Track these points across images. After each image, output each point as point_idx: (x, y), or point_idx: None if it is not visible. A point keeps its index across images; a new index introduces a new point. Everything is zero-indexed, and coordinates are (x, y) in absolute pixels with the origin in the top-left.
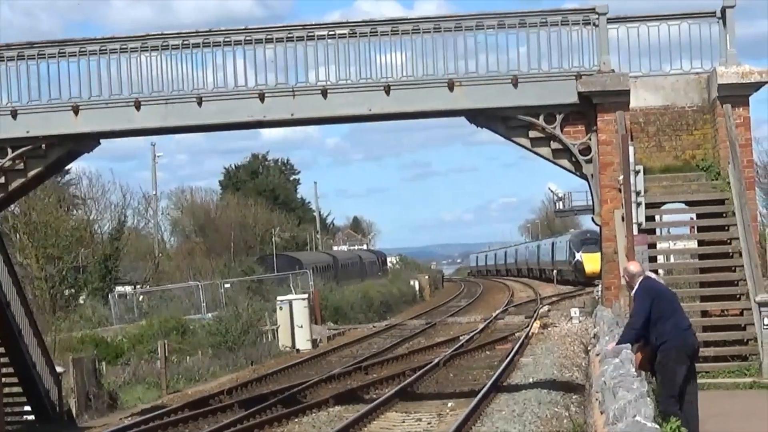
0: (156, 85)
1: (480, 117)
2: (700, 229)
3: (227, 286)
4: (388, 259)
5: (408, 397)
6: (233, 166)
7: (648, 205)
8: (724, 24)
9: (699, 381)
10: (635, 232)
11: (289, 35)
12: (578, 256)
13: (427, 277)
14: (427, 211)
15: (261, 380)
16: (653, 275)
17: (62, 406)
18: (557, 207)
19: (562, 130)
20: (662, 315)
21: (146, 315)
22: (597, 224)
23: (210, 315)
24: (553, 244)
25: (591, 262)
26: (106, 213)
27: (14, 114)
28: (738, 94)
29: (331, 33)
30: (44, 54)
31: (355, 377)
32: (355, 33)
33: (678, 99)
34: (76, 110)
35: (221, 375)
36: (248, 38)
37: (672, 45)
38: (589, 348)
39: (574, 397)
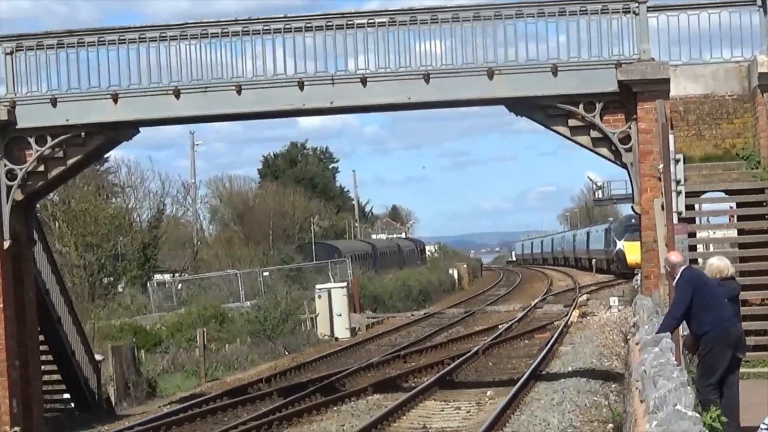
0: (195, 74)
1: (519, 105)
2: (740, 218)
3: (266, 274)
4: (427, 248)
5: (447, 385)
6: (272, 155)
7: (688, 194)
8: (765, 12)
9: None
10: (675, 220)
11: (328, 23)
12: (620, 244)
13: (465, 265)
14: (465, 199)
15: (300, 368)
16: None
17: (101, 393)
18: (596, 196)
19: (601, 119)
20: (704, 305)
21: (185, 303)
22: (636, 213)
23: (249, 303)
24: (607, 230)
25: (633, 251)
26: (145, 201)
27: (54, 102)
28: None
29: (370, 21)
30: (84, 42)
31: (393, 366)
32: (395, 21)
33: (718, 87)
34: (115, 98)
35: (260, 363)
36: (287, 26)
37: (712, 33)
38: (628, 337)
39: (613, 385)
